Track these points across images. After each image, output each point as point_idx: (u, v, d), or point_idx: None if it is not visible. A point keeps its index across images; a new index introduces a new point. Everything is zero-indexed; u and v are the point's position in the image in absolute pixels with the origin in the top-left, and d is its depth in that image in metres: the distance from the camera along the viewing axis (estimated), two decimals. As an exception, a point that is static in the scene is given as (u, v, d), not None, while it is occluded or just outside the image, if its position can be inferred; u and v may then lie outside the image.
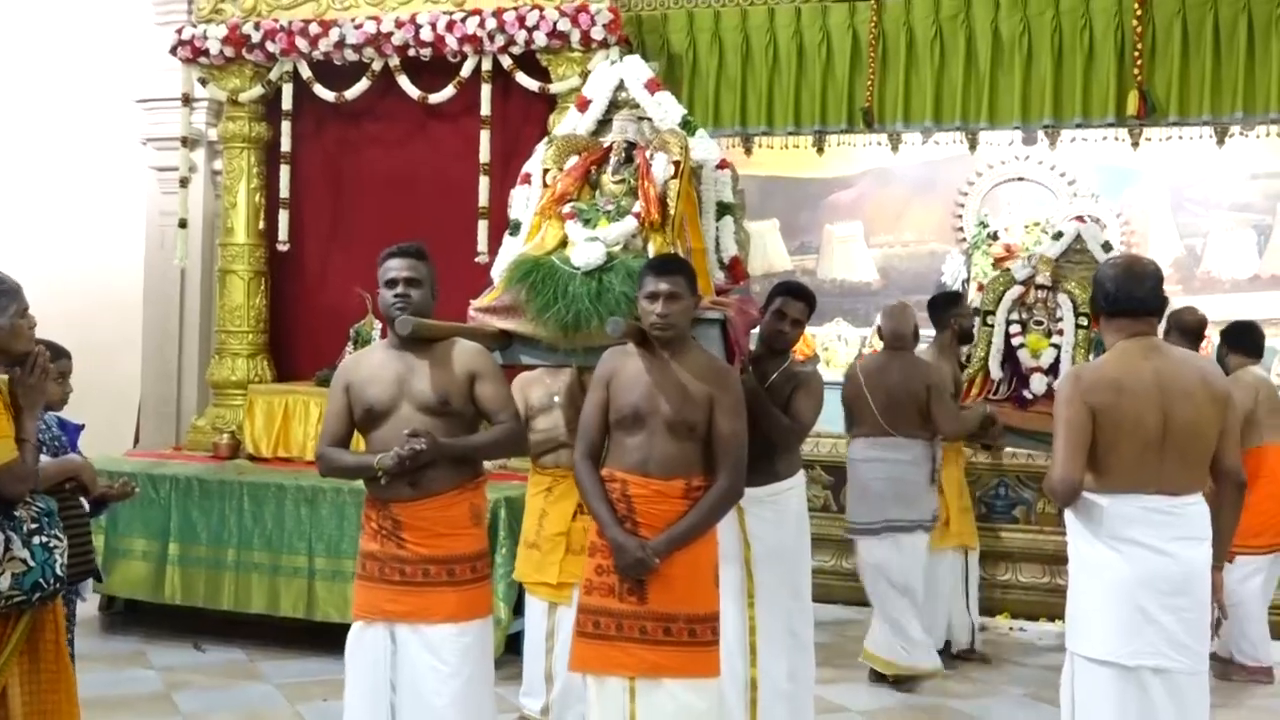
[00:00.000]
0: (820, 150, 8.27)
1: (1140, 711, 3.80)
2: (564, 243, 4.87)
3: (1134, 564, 3.81)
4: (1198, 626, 3.85)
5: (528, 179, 5.28)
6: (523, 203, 5.25)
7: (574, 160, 5.10)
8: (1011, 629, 7.57)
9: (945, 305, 7.01)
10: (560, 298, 4.66)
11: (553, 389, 5.43)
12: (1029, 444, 7.17)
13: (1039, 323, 6.95)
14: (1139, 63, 6.89)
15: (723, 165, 5.23)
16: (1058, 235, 7.18)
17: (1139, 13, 6.86)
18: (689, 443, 4.05)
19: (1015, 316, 7.02)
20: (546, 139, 5.38)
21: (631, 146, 5.03)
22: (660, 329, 4.04)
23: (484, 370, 4.19)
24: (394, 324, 4.13)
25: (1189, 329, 6.47)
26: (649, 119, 5.19)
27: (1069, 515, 3.96)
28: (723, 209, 5.17)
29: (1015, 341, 6.99)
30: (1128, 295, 3.90)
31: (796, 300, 5.27)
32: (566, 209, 4.94)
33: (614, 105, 5.31)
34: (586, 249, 4.76)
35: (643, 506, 4.02)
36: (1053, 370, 6.84)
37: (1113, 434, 3.80)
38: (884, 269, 10.10)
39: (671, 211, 4.82)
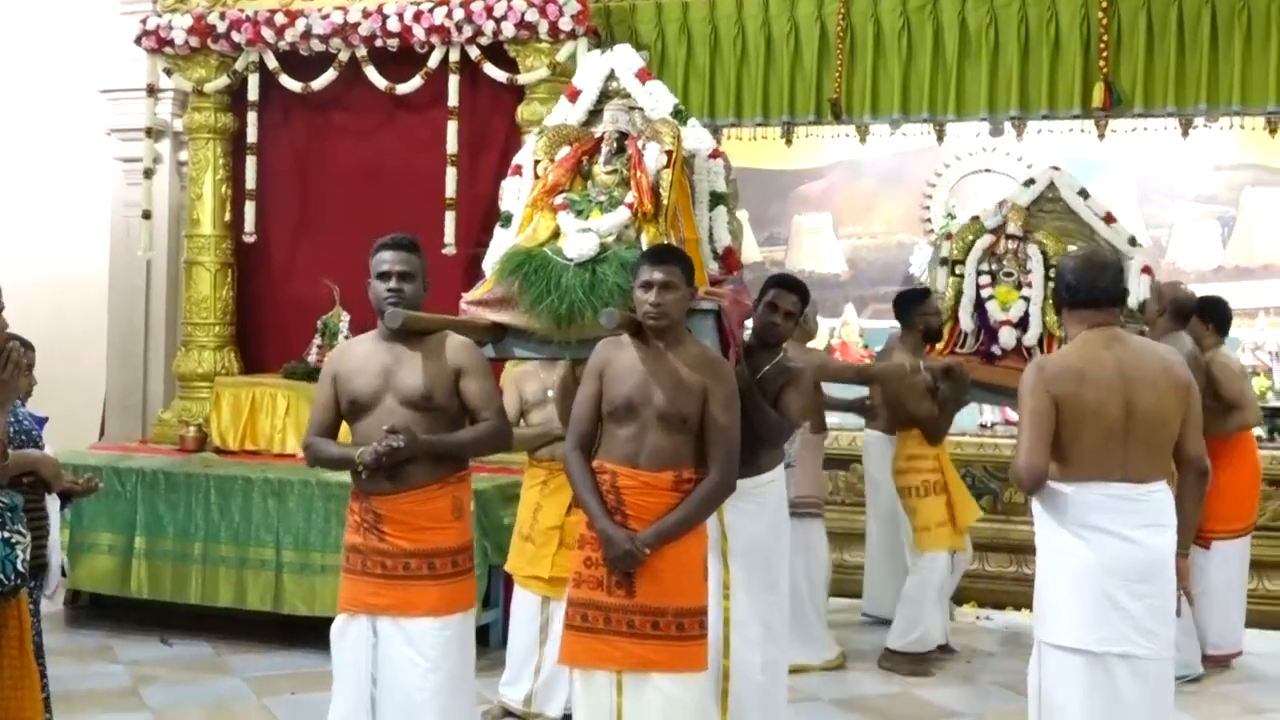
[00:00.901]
0: (789, 142, 8.29)
1: (1107, 697, 3.85)
2: (556, 234, 4.84)
3: (1100, 551, 3.85)
4: (1164, 612, 3.91)
5: (519, 170, 5.24)
6: (514, 194, 5.21)
7: (565, 151, 5.07)
8: (979, 618, 7.63)
9: (912, 303, 6.82)
10: (553, 290, 4.64)
11: (547, 383, 5.42)
12: (995, 399, 7.05)
13: (1009, 274, 6.74)
14: (1104, 55, 6.93)
15: (715, 154, 5.18)
16: (1029, 182, 6.98)
17: (1104, 5, 6.90)
18: (681, 435, 4.04)
19: (985, 267, 6.82)
20: (538, 130, 5.35)
21: (623, 136, 5.01)
22: (654, 318, 4.03)
23: (470, 366, 4.17)
24: (384, 316, 4.11)
25: (1185, 310, 6.54)
26: (640, 109, 5.16)
27: (1036, 504, 4.00)
28: (716, 199, 5.14)
29: (984, 293, 6.79)
30: (1089, 286, 3.95)
31: (790, 293, 5.26)
32: (559, 200, 4.91)
33: (604, 95, 5.26)
34: (579, 240, 4.73)
35: (632, 498, 4.02)
36: (1022, 324, 6.66)
37: (1076, 423, 3.85)
38: (852, 260, 10.12)
39: (664, 201, 4.80)
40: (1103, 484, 3.86)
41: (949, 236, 7.20)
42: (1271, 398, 8.53)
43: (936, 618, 6.59)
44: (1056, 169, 7.00)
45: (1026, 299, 6.65)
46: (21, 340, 4.42)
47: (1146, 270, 6.63)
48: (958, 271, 6.87)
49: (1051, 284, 6.46)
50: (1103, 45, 6.93)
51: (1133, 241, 6.78)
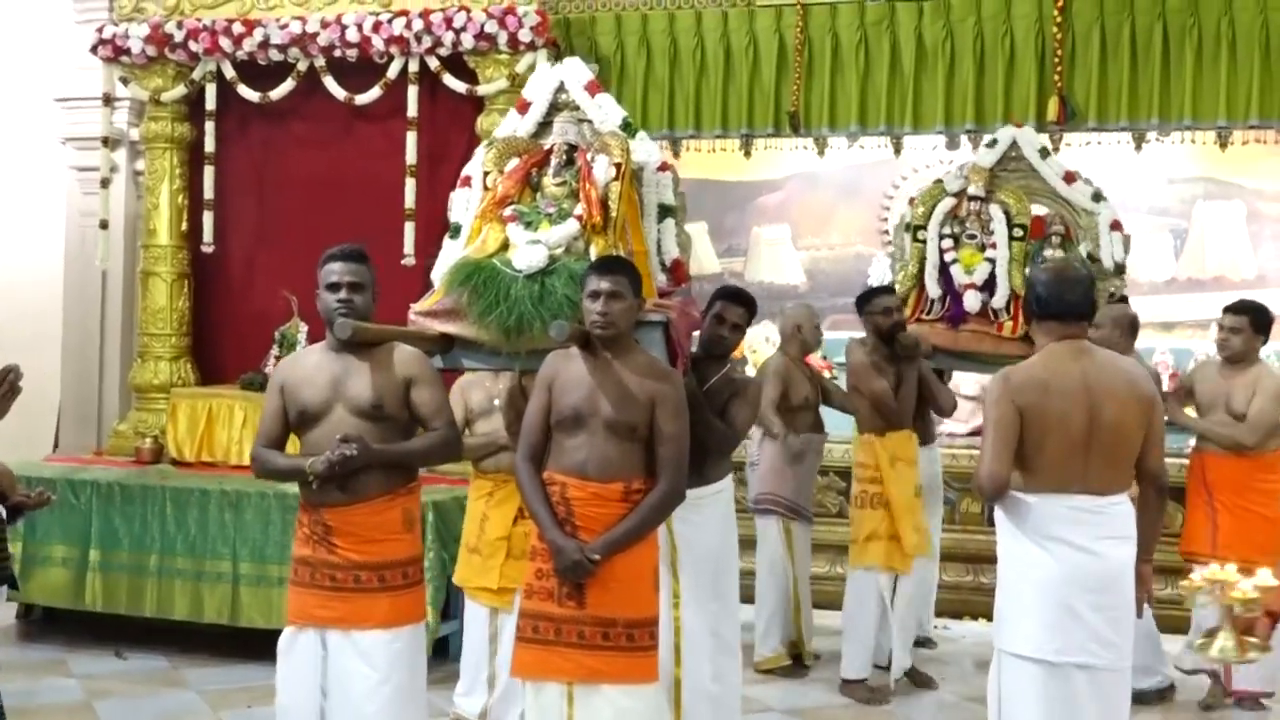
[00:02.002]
0: (747, 154, 8.32)
1: (1065, 707, 3.88)
2: (505, 245, 4.85)
3: (1061, 562, 3.89)
4: (1123, 624, 3.95)
5: (468, 181, 5.25)
6: (463, 205, 5.22)
7: (514, 163, 5.08)
8: (936, 628, 7.65)
9: (861, 302, 6.49)
10: (502, 301, 4.65)
11: (493, 392, 5.42)
12: (960, 365, 6.81)
13: (972, 236, 6.57)
14: (1059, 70, 7.02)
15: (664, 167, 5.22)
16: (992, 143, 6.82)
17: (1058, 21, 6.99)
18: (629, 444, 4.05)
19: (947, 230, 6.64)
20: (487, 141, 5.36)
21: (572, 149, 5.04)
22: (602, 328, 4.04)
23: (420, 376, 4.17)
24: (333, 327, 4.10)
25: (1128, 326, 6.29)
26: (589, 121, 5.19)
27: (998, 514, 4.04)
28: (664, 211, 5.17)
29: (948, 257, 6.60)
30: (1059, 300, 3.99)
31: (736, 305, 5.30)
32: (508, 211, 4.92)
33: (554, 107, 5.28)
34: (529, 252, 4.75)
35: (581, 509, 4.02)
36: (988, 287, 6.48)
37: (1040, 433, 3.88)
38: (811, 271, 10.17)
39: (613, 214, 4.83)
40: (1065, 495, 3.89)
41: (911, 201, 7.03)
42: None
43: (869, 641, 6.33)
44: (1018, 126, 6.90)
45: (991, 260, 6.51)
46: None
47: (1116, 225, 6.61)
48: (919, 237, 6.71)
49: (1016, 243, 6.46)
50: (1057, 60, 7.02)
51: (1097, 197, 6.70)
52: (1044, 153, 6.76)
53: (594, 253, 4.70)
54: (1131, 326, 6.24)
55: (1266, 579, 3.15)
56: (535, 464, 4.14)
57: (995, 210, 6.55)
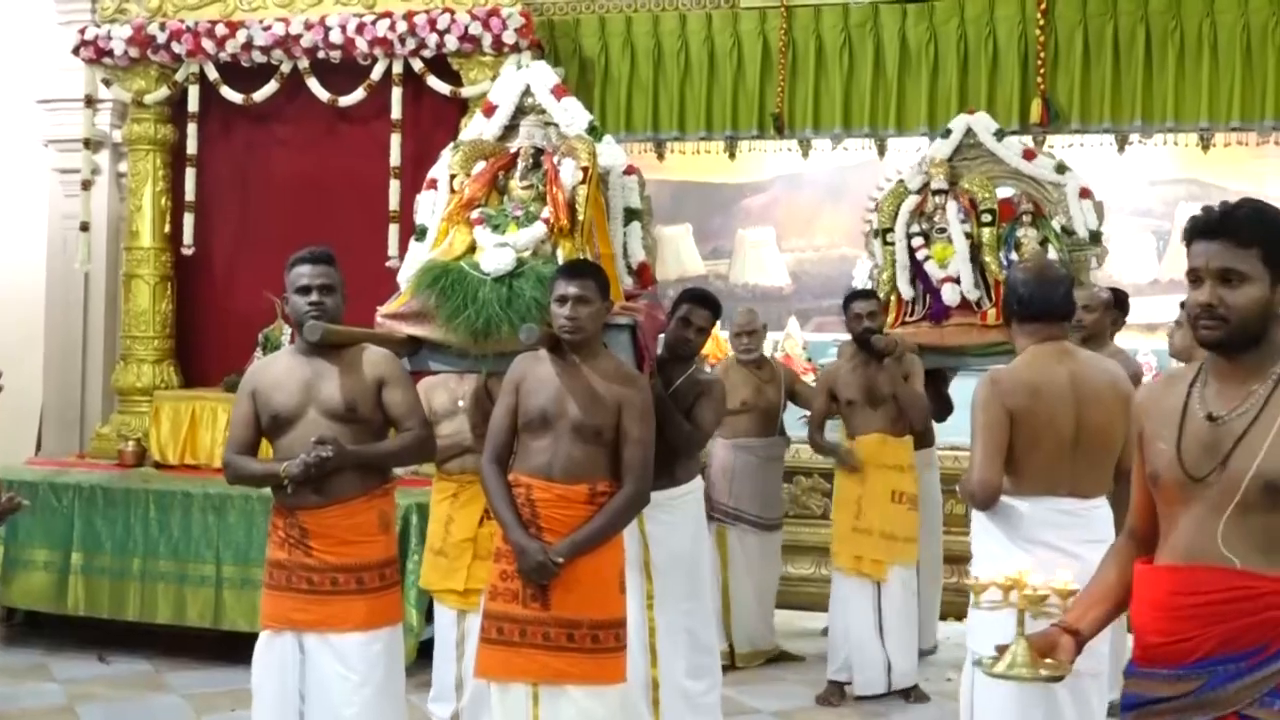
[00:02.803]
0: (732, 155, 8.34)
1: (1042, 713, 3.85)
2: (472, 248, 4.87)
3: (1042, 565, 3.87)
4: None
5: (434, 184, 5.26)
6: (429, 208, 5.22)
7: (481, 165, 5.10)
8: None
9: (844, 306, 6.36)
10: (470, 303, 4.66)
11: (457, 394, 5.41)
12: (948, 361, 6.57)
13: (941, 230, 6.44)
14: (1041, 72, 7.04)
15: (630, 171, 5.24)
16: (946, 133, 6.72)
17: (1041, 24, 7.02)
18: (595, 447, 4.05)
19: (915, 229, 6.52)
20: (452, 144, 5.36)
21: (539, 152, 5.04)
22: (570, 332, 4.05)
23: (392, 377, 4.17)
24: (303, 330, 4.09)
25: (1114, 306, 6.22)
26: (555, 125, 5.20)
27: (980, 518, 3.99)
28: (630, 214, 5.19)
29: (920, 255, 6.47)
30: (1042, 300, 3.96)
31: (701, 308, 5.33)
32: (475, 214, 4.94)
33: (520, 110, 5.31)
34: (496, 254, 4.76)
35: (546, 511, 4.02)
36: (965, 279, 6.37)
37: (1030, 437, 3.86)
38: (796, 274, 10.19)
39: (580, 217, 4.85)
40: (1052, 499, 3.88)
41: (877, 206, 6.89)
42: (1205, 409, 8.62)
43: (843, 644, 6.19)
44: (971, 113, 6.83)
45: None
46: None
47: (1085, 193, 6.52)
48: (889, 240, 6.63)
49: (987, 229, 6.38)
50: (1040, 63, 7.04)
51: (1060, 168, 6.62)
52: (999, 135, 6.67)
53: (561, 256, 4.71)
54: (1119, 306, 6.22)
55: (1067, 579, 2.93)
56: (500, 465, 4.14)
57: (951, 204, 6.45)
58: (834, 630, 6.32)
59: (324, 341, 4.08)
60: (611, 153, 5.20)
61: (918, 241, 6.50)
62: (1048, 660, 2.70)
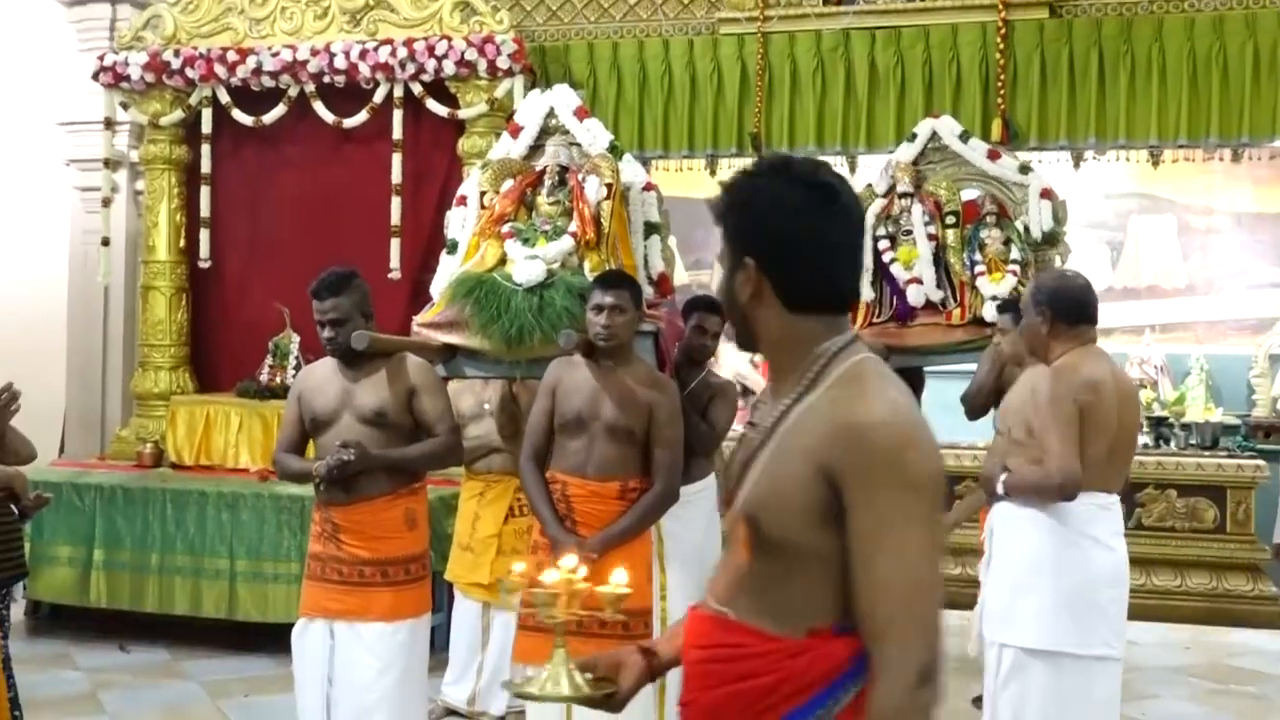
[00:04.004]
0: (713, 172, 8.33)
1: (1078, 697, 3.82)
2: (503, 260, 4.88)
3: (1092, 558, 3.85)
4: (1124, 616, 3.95)
5: (463, 201, 5.27)
6: (459, 223, 5.23)
7: (509, 183, 5.12)
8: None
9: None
10: (503, 313, 4.68)
11: (483, 398, 5.43)
12: (914, 361, 6.13)
13: (907, 232, 6.10)
14: (1002, 93, 7.07)
15: (648, 187, 5.24)
16: (912, 137, 6.41)
17: (1001, 47, 7.04)
18: (627, 447, 4.08)
19: (882, 231, 6.15)
20: (482, 163, 5.36)
21: (564, 170, 5.06)
22: (605, 339, 4.08)
23: (424, 385, 4.21)
24: (351, 337, 4.12)
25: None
26: (579, 144, 5.21)
27: (1033, 511, 3.87)
28: (650, 228, 5.19)
29: (886, 257, 6.10)
30: (1085, 304, 3.98)
31: (713, 315, 5.31)
32: (505, 229, 4.95)
33: (545, 131, 5.31)
34: (527, 266, 4.77)
35: (581, 506, 4.06)
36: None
37: (1090, 433, 3.82)
38: (773, 283, 10.20)
39: (605, 230, 4.87)
40: (1098, 494, 3.86)
41: None
42: (1156, 408, 8.68)
43: None
44: (935, 116, 6.54)
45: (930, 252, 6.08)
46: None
47: (1046, 194, 6.13)
48: None
49: (934, 240, 6.04)
50: (1000, 84, 7.07)
51: (1024, 169, 6.26)
52: (964, 136, 6.36)
53: (588, 267, 4.73)
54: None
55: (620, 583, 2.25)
56: (538, 464, 4.18)
57: (916, 207, 6.14)
58: None
59: (370, 349, 4.12)
60: (632, 170, 5.20)
61: (884, 244, 6.17)
62: (602, 679, 2.14)
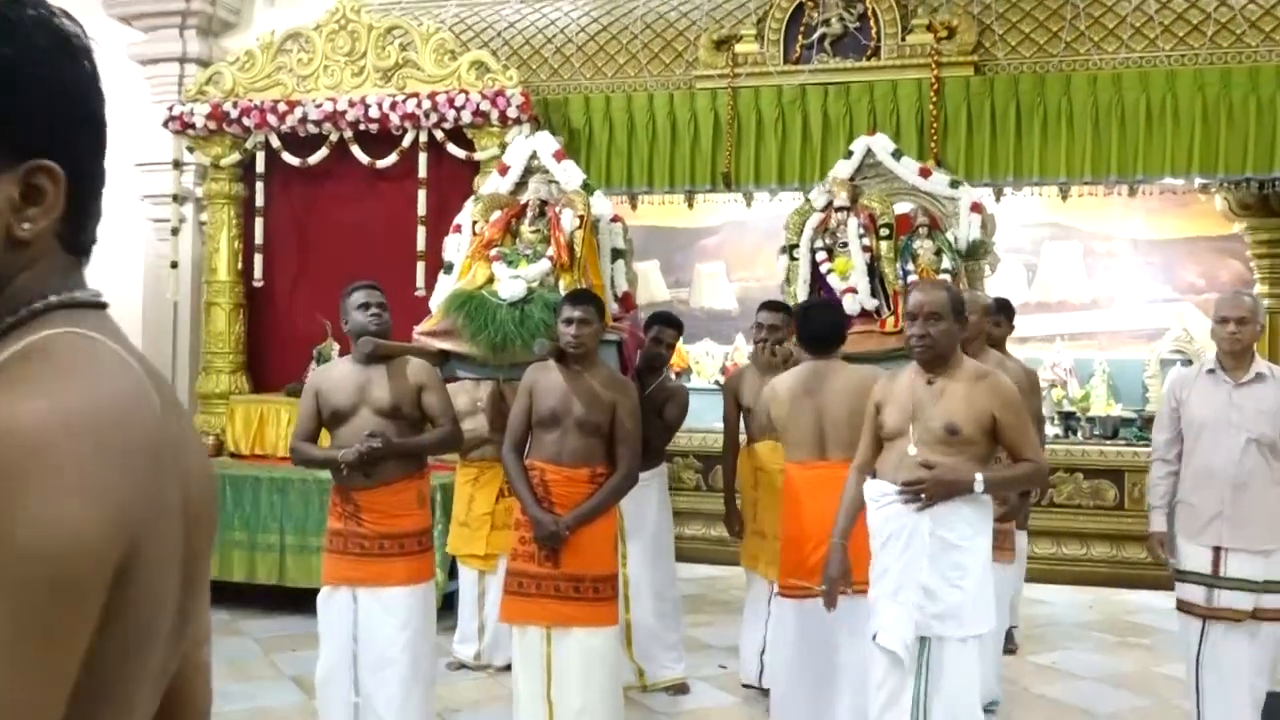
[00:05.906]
0: (690, 205, 8.37)
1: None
2: (491, 280, 4.94)
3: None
4: None
5: (458, 229, 5.32)
6: (454, 248, 5.28)
7: (497, 214, 5.16)
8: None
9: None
10: (490, 324, 4.72)
11: (475, 396, 5.45)
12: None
13: (844, 245, 5.63)
14: (935, 138, 7.10)
15: (615, 219, 5.31)
16: (849, 154, 5.98)
17: (935, 100, 7.07)
18: (595, 439, 4.09)
19: (820, 244, 5.71)
20: (474, 197, 5.40)
21: (543, 204, 5.11)
22: (574, 347, 4.09)
23: (429, 383, 4.21)
24: (359, 343, 4.12)
25: (994, 311, 5.38)
26: (556, 182, 5.24)
27: (966, 510, 3.52)
28: (616, 254, 5.26)
29: (823, 269, 5.65)
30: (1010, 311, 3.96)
31: (669, 328, 5.36)
32: (493, 253, 5.00)
33: (528, 170, 5.37)
34: (511, 284, 4.81)
35: (556, 489, 4.07)
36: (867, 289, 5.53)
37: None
38: (742, 299, 10.20)
39: (578, 255, 4.92)
40: None
41: (787, 226, 6.02)
42: (1066, 404, 8.72)
43: (753, 645, 5.15)
44: (871, 135, 6.13)
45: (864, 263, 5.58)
46: None
47: (976, 208, 5.75)
48: (795, 255, 5.83)
49: (885, 241, 5.56)
50: (934, 131, 7.10)
51: (954, 184, 5.89)
52: (897, 154, 5.94)
53: (563, 286, 4.77)
54: (1005, 313, 5.56)
55: None
56: (519, 454, 4.18)
57: (851, 220, 5.65)
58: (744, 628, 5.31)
59: (376, 353, 4.13)
60: (601, 204, 5.25)
61: (821, 255, 5.70)
62: None
